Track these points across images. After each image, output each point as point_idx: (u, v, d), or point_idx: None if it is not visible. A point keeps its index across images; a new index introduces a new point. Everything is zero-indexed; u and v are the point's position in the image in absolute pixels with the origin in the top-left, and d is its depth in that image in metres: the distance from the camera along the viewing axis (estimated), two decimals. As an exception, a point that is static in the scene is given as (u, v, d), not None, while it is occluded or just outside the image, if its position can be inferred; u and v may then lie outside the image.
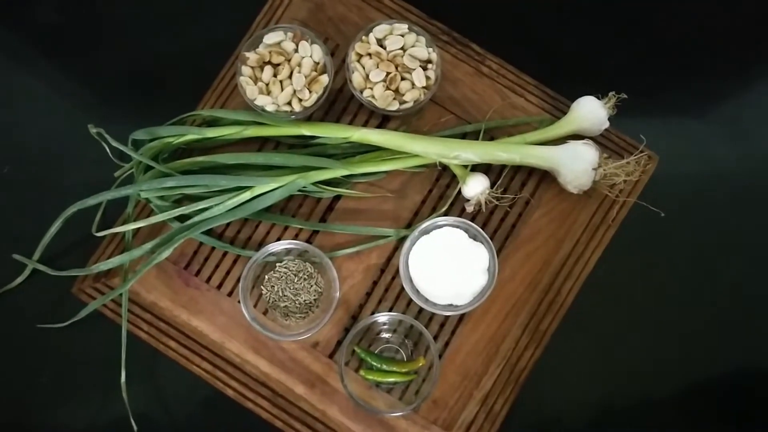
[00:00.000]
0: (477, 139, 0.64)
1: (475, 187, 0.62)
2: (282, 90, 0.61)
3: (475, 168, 0.64)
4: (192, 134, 0.63)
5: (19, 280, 0.65)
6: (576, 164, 0.61)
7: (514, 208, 0.65)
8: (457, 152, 0.61)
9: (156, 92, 0.70)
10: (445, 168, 0.65)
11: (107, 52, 0.70)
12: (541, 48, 0.70)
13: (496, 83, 0.67)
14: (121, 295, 0.63)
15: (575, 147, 0.61)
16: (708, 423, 0.65)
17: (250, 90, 0.61)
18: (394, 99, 0.61)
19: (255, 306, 0.63)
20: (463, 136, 0.66)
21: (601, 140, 0.66)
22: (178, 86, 0.69)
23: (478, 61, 0.67)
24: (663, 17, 0.71)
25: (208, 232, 0.64)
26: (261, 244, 0.65)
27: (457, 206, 0.65)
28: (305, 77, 0.61)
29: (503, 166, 0.65)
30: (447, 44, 0.67)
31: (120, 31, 0.71)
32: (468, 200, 0.63)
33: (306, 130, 0.62)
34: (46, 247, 0.64)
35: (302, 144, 0.65)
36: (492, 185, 0.63)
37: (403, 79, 0.61)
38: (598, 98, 0.63)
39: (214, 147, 0.65)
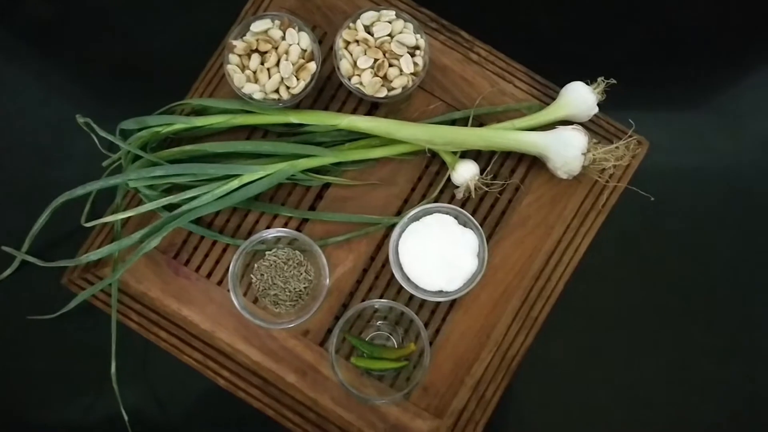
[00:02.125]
0: (466, 125, 0.64)
1: (465, 174, 0.62)
2: (269, 78, 0.61)
3: (465, 155, 0.64)
4: (180, 123, 0.63)
5: (8, 272, 0.65)
6: (565, 149, 0.61)
7: (503, 194, 0.65)
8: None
9: (144, 83, 0.69)
10: (434, 155, 0.65)
11: (95, 43, 0.70)
12: (530, 35, 0.70)
13: (485, 70, 0.67)
14: (110, 285, 0.63)
15: (564, 132, 0.61)
16: (698, 402, 0.65)
17: (238, 78, 0.61)
18: (383, 86, 0.61)
19: (245, 295, 0.63)
20: (453, 122, 0.65)
21: (590, 126, 0.65)
22: (167, 76, 0.69)
23: (467, 48, 0.67)
24: (654, 4, 0.70)
25: (197, 222, 0.64)
26: (250, 233, 0.64)
27: (447, 193, 0.65)
28: (293, 65, 0.61)
29: (492, 153, 0.65)
30: (435, 31, 0.67)
31: (107, 22, 0.70)
32: (457, 187, 0.63)
33: (294, 118, 0.62)
34: (35, 238, 0.63)
35: (291, 132, 0.65)
36: (481, 172, 0.63)
37: (391, 65, 0.61)
38: (587, 84, 0.63)
39: (202, 136, 0.65)
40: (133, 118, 0.63)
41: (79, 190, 0.62)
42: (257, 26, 0.61)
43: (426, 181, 0.65)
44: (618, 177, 0.65)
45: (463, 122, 0.65)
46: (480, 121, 0.66)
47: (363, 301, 0.63)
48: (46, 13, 0.71)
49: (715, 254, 0.66)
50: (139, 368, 0.65)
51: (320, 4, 0.67)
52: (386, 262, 0.64)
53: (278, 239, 0.62)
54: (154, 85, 0.69)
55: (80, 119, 0.64)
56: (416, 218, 0.62)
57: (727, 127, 0.68)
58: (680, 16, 0.71)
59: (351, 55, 0.61)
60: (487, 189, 0.63)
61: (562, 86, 0.65)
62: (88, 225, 0.62)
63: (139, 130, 0.63)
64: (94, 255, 0.62)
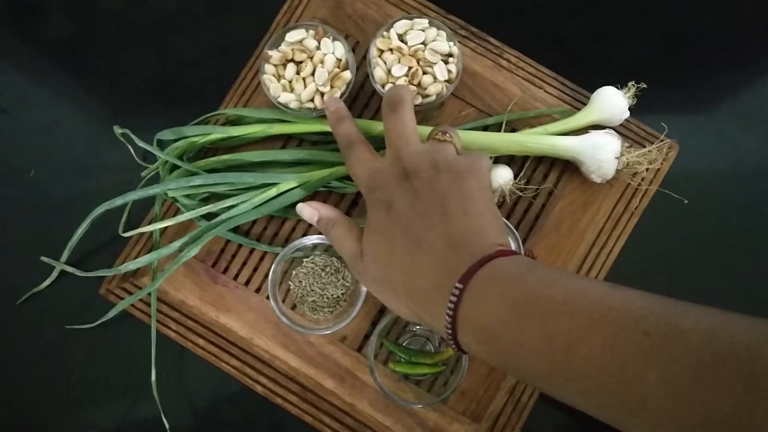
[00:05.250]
0: (498, 131, 0.65)
1: (499, 179, 0.63)
2: (305, 87, 0.61)
3: (498, 160, 0.65)
4: (217, 133, 0.63)
5: (47, 282, 0.65)
6: (599, 153, 0.61)
7: (537, 198, 0.66)
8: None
9: (177, 94, 0.70)
10: (467, 161, 0.65)
11: (127, 55, 0.71)
12: (558, 40, 0.70)
13: (515, 75, 0.67)
14: (149, 294, 0.63)
15: (597, 137, 0.62)
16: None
17: (274, 87, 0.62)
18: (417, 93, 0.62)
19: (283, 302, 0.63)
20: (485, 128, 0.66)
21: (621, 130, 0.66)
22: (199, 87, 0.70)
23: (497, 54, 0.68)
24: (682, 5, 0.71)
25: (235, 230, 0.64)
26: (287, 241, 0.65)
27: (481, 198, 0.65)
28: (328, 73, 0.61)
29: (525, 158, 0.65)
30: (465, 38, 0.68)
31: (140, 34, 0.71)
32: (492, 191, 0.64)
33: (329, 126, 0.63)
34: (74, 249, 0.64)
35: (325, 140, 0.65)
36: (515, 176, 0.64)
37: (425, 73, 0.62)
38: (618, 88, 0.64)
39: (238, 145, 0.66)
40: (170, 129, 0.64)
41: (119, 200, 0.62)
42: (292, 36, 0.62)
43: (459, 186, 0.66)
44: (649, 180, 0.66)
45: (495, 128, 0.66)
46: (512, 127, 0.66)
47: (399, 306, 0.64)
48: (73, 28, 0.71)
49: (747, 255, 0.67)
50: (175, 376, 0.65)
51: (351, 14, 0.68)
52: (422, 267, 0.64)
53: (315, 246, 0.63)
54: (186, 97, 0.70)
55: (118, 130, 0.65)
56: (452, 224, 0.62)
57: (756, 129, 0.69)
58: (709, 17, 0.71)
59: (385, 63, 0.62)
60: (521, 194, 0.64)
61: (591, 91, 0.65)
62: (127, 235, 0.63)
63: (175, 140, 0.64)
64: (133, 264, 0.63)
